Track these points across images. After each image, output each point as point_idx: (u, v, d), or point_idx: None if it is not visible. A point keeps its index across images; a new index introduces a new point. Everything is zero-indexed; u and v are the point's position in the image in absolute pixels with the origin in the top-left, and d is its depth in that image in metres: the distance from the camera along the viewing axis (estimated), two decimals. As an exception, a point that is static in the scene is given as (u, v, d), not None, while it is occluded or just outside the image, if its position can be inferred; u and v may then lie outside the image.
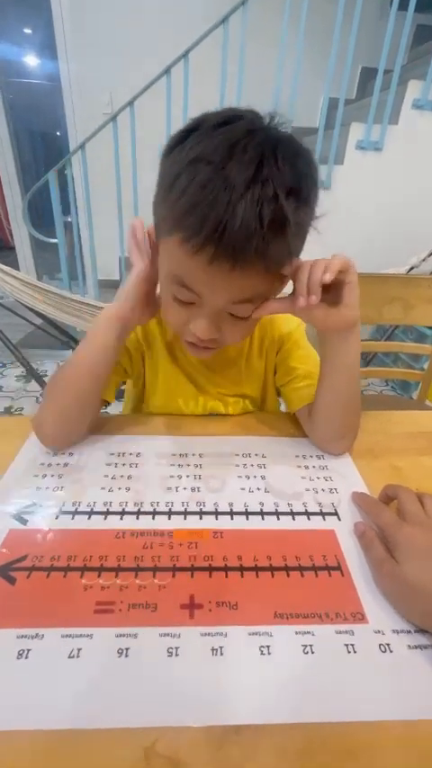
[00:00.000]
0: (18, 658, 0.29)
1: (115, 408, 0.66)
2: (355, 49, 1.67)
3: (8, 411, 1.74)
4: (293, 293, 0.41)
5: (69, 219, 1.95)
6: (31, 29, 3.22)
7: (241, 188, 0.33)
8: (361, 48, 1.74)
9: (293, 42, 1.67)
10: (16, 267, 2.32)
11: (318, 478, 0.47)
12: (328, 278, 0.39)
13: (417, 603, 0.32)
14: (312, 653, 0.30)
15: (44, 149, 3.82)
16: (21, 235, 2.88)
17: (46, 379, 1.90)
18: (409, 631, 0.32)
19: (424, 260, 1.68)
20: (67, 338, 2.05)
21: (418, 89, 1.77)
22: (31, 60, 3.41)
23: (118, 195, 1.86)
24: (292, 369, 0.56)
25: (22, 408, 1.76)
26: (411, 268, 1.69)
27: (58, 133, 3.64)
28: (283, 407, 0.62)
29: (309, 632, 0.32)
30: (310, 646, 0.31)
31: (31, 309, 1.66)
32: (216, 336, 0.43)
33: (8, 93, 2.63)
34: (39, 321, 1.89)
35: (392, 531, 0.37)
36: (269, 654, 0.30)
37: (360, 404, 0.50)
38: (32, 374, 1.65)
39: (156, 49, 2.21)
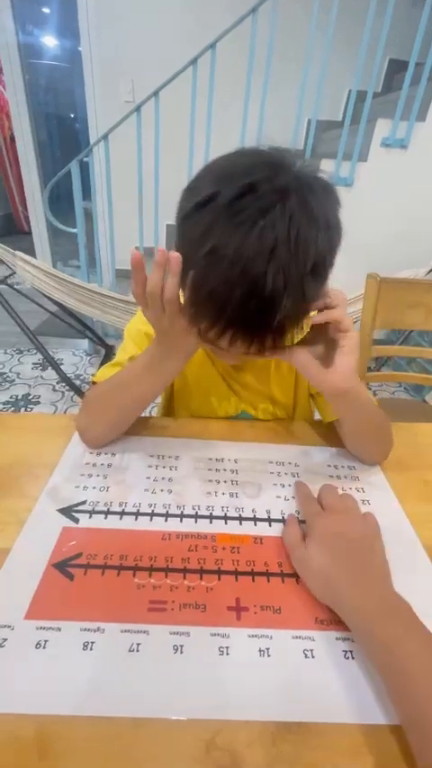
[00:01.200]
0: (84, 650, 0.32)
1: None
2: (385, 40, 1.63)
3: (25, 398, 1.77)
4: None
5: (85, 206, 1.94)
6: (51, 9, 3.16)
7: (254, 282, 0.34)
8: (390, 39, 1.69)
9: (322, 32, 1.63)
10: (32, 252, 2.33)
11: (350, 489, 0.49)
12: (319, 319, 0.40)
13: (319, 583, 0.36)
14: (353, 658, 0.33)
15: (60, 132, 3.78)
16: (38, 221, 2.87)
17: (63, 367, 1.93)
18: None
19: (445, 262, 1.67)
20: (83, 327, 2.07)
21: (448, 85, 1.73)
22: (50, 41, 3.35)
23: (139, 186, 1.85)
24: None
25: (39, 396, 1.79)
26: (431, 270, 1.69)
27: (72, 115, 3.60)
28: (317, 415, 0.64)
29: (348, 638, 0.34)
30: (351, 651, 0.33)
31: (48, 297, 1.68)
32: (242, 362, 0.46)
33: (27, 74, 2.60)
34: (54, 308, 1.91)
35: (310, 520, 0.42)
36: (313, 657, 0.32)
37: (388, 427, 0.52)
38: (50, 362, 1.68)
39: (179, 38, 2.18)
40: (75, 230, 1.95)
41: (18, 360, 2.05)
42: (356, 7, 1.70)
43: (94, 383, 0.55)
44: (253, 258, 0.33)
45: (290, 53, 1.93)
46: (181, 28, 2.27)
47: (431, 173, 1.86)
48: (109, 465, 0.50)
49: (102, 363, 2.06)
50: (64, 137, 3.67)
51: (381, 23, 1.60)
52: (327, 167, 1.84)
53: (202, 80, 1.68)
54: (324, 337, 0.43)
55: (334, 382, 0.43)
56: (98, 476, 0.48)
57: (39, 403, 1.75)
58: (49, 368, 1.89)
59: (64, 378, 1.71)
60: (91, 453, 0.51)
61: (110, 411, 0.52)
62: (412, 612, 0.32)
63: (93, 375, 0.56)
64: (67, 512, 0.43)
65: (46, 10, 3.12)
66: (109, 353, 2.12)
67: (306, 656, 0.32)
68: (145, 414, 0.55)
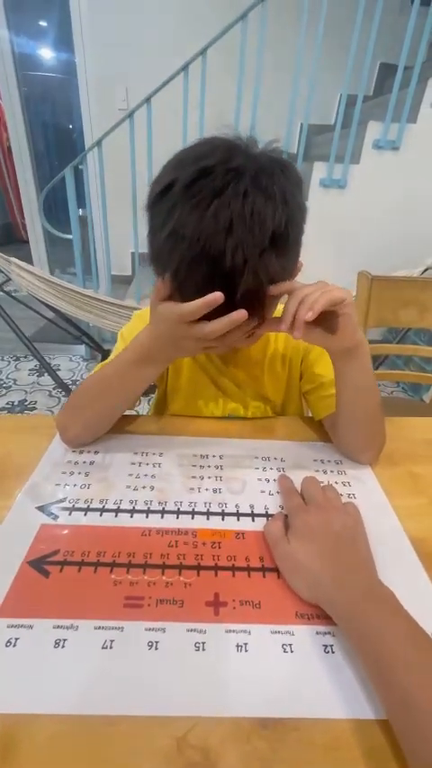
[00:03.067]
0: (55, 647, 0.31)
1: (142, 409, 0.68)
2: (375, 45, 1.65)
3: (22, 404, 1.77)
4: (281, 317, 0.41)
5: (82, 214, 1.96)
6: (47, 22, 3.22)
7: (215, 259, 0.35)
8: (380, 43, 1.72)
9: (312, 38, 1.65)
10: (29, 260, 2.35)
11: (336, 483, 0.48)
12: (310, 317, 0.39)
13: (302, 578, 0.36)
14: (333, 652, 0.32)
15: (56, 142, 3.83)
16: (34, 228, 2.90)
17: (59, 372, 1.93)
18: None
19: (439, 261, 1.67)
20: (80, 333, 2.08)
21: (437, 87, 1.75)
22: (46, 53, 3.41)
23: (133, 191, 1.87)
24: (318, 376, 0.57)
25: (36, 402, 1.79)
26: (426, 269, 1.69)
27: (70, 126, 3.65)
28: (308, 413, 0.63)
29: (329, 632, 0.33)
30: (331, 646, 0.32)
31: (44, 303, 1.68)
32: (229, 349, 0.46)
33: (23, 85, 2.64)
34: (51, 315, 1.91)
35: (293, 515, 0.41)
36: (292, 652, 0.32)
37: (382, 417, 0.51)
38: (46, 368, 1.68)
39: (172, 45, 2.20)
40: (70, 236, 1.97)
41: (15, 366, 2.06)
42: (345, 13, 1.72)
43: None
44: (211, 236, 0.34)
45: (280, 59, 1.95)
46: (173, 36, 2.30)
47: (423, 173, 1.87)
48: (91, 463, 0.49)
49: (98, 369, 2.06)
50: (60, 146, 3.71)
51: (369, 29, 1.62)
52: (320, 170, 1.86)
53: (194, 86, 1.70)
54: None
55: (344, 341, 0.44)
56: (80, 473, 0.48)
57: (35, 409, 1.75)
58: (46, 374, 1.89)
59: (60, 384, 1.71)
60: (74, 452, 0.51)
61: (89, 409, 0.51)
62: (396, 600, 0.31)
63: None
64: (46, 509, 0.43)
65: (42, 23, 3.18)
66: (106, 358, 2.12)
67: (285, 651, 0.32)
68: (134, 413, 0.55)
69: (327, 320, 0.42)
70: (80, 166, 1.90)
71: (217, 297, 0.36)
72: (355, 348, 0.45)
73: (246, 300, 0.37)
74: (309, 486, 0.44)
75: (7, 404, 1.77)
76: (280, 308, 0.43)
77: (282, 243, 0.37)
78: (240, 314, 0.37)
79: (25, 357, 2.11)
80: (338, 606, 0.33)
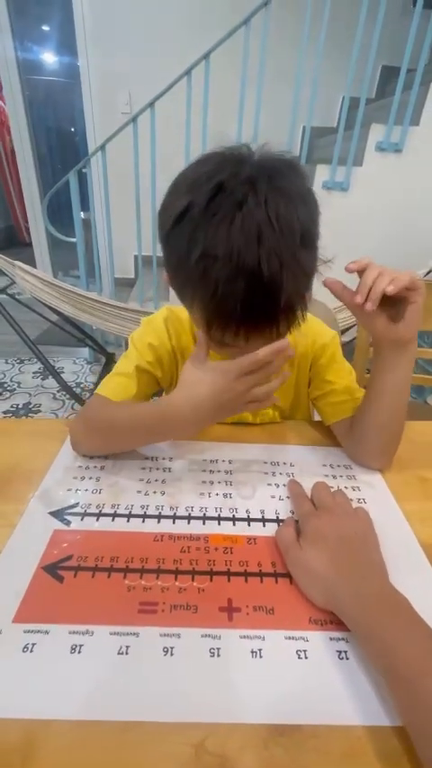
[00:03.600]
0: (72, 653, 0.31)
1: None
2: (377, 48, 1.66)
3: (26, 407, 1.77)
4: (357, 288, 0.42)
5: (85, 217, 1.97)
6: (50, 26, 3.23)
7: (251, 272, 0.34)
8: (382, 46, 1.72)
9: (314, 41, 1.66)
10: (33, 263, 2.36)
11: (346, 488, 0.48)
12: (391, 290, 0.39)
13: (316, 585, 0.36)
14: (347, 659, 0.32)
15: (60, 146, 3.85)
16: (38, 231, 2.91)
17: (63, 375, 1.94)
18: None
19: (442, 263, 1.67)
20: (83, 335, 2.08)
21: (440, 90, 1.75)
22: (49, 57, 3.42)
23: (136, 195, 1.87)
24: (329, 382, 0.57)
25: (40, 405, 1.80)
26: (429, 271, 1.69)
27: (73, 129, 3.66)
28: (316, 418, 0.63)
29: (343, 638, 0.33)
30: (345, 652, 0.32)
31: (48, 306, 1.69)
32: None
33: (26, 89, 2.66)
34: (55, 317, 1.92)
35: (304, 521, 0.41)
36: (306, 658, 0.32)
37: (404, 421, 0.51)
38: (50, 370, 1.68)
39: (175, 49, 2.21)
40: (74, 240, 1.97)
41: (19, 369, 2.06)
42: (347, 17, 1.72)
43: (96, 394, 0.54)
44: (243, 249, 0.34)
45: (283, 62, 1.96)
46: (176, 40, 2.31)
47: (426, 175, 1.87)
48: (102, 467, 0.50)
49: (102, 371, 2.06)
50: (64, 149, 3.72)
51: (372, 32, 1.63)
52: (323, 173, 1.86)
53: (197, 90, 1.71)
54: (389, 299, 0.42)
55: (403, 333, 0.44)
56: (90, 478, 0.48)
57: (39, 411, 1.75)
58: (50, 377, 1.90)
59: (64, 386, 1.72)
60: (84, 457, 0.51)
61: (108, 440, 0.51)
62: (410, 607, 0.31)
63: (93, 384, 0.55)
64: (59, 514, 0.43)
65: (45, 27, 3.19)
66: (109, 361, 2.12)
67: (299, 657, 0.32)
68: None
69: (393, 307, 0.42)
70: (83, 170, 1.91)
71: (284, 344, 0.37)
72: (410, 341, 0.45)
73: (288, 306, 0.37)
74: (319, 492, 0.44)
75: (11, 407, 1.77)
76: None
77: (309, 240, 0.37)
78: (283, 343, 0.38)
79: (29, 360, 2.11)
80: (352, 614, 0.33)
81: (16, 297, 1.84)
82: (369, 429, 0.50)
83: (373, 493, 0.48)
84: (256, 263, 0.34)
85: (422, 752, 0.25)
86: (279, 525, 0.43)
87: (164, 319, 0.57)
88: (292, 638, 0.33)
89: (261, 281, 0.35)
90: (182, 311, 0.58)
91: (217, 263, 0.35)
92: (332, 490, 0.45)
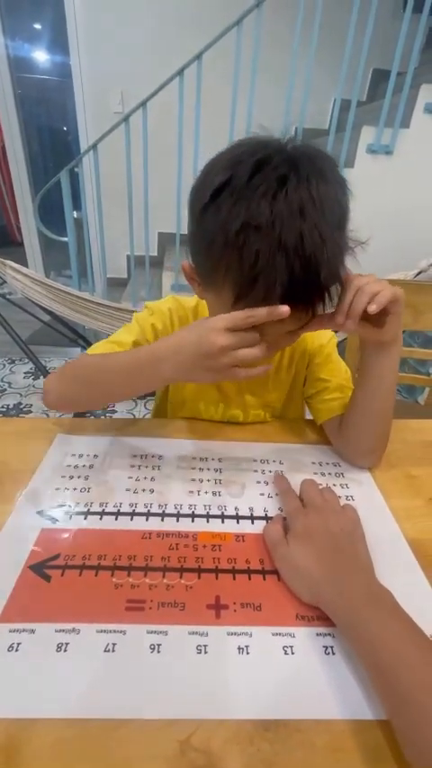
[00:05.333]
0: (57, 651, 0.31)
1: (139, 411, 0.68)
2: (368, 51, 1.67)
3: (17, 408, 1.76)
4: (336, 308, 0.41)
5: (77, 216, 1.96)
6: (42, 24, 3.21)
7: (293, 245, 0.34)
8: (373, 49, 1.74)
9: (306, 44, 1.67)
10: (24, 263, 2.34)
11: (335, 485, 0.49)
12: (373, 309, 0.39)
13: (302, 581, 0.36)
14: (333, 654, 0.32)
15: (52, 144, 3.82)
16: (29, 231, 2.89)
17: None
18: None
19: (432, 264, 1.69)
20: (75, 335, 2.07)
21: (430, 93, 1.77)
22: (41, 56, 3.40)
23: (128, 195, 1.87)
24: (323, 381, 0.57)
25: (31, 405, 1.78)
26: (420, 272, 1.70)
27: (65, 128, 3.65)
28: (308, 417, 0.63)
29: (329, 634, 0.33)
30: (331, 647, 0.32)
31: (40, 306, 1.68)
32: (275, 352, 0.45)
33: (18, 88, 2.64)
34: (47, 318, 1.91)
35: (292, 518, 0.41)
36: (293, 654, 0.32)
37: (391, 420, 0.51)
38: (41, 371, 1.67)
39: (168, 49, 2.21)
40: (66, 239, 1.96)
41: (10, 369, 2.04)
42: (339, 20, 1.74)
43: (83, 353, 0.53)
44: (286, 223, 0.34)
45: (275, 64, 1.97)
46: (169, 40, 2.31)
47: (416, 177, 1.89)
48: (90, 466, 0.49)
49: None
50: (56, 148, 3.70)
51: (363, 35, 1.64)
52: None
53: (189, 91, 1.71)
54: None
55: (386, 337, 0.44)
56: (79, 477, 0.48)
57: (30, 412, 1.74)
58: (42, 377, 1.88)
59: (56, 386, 1.70)
60: (73, 456, 0.51)
61: (78, 389, 0.50)
62: (394, 601, 0.32)
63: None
64: (46, 513, 0.43)
65: (36, 25, 3.17)
66: (102, 361, 2.11)
67: (286, 653, 0.32)
68: (132, 417, 0.55)
69: (374, 316, 0.42)
70: (75, 169, 1.90)
71: (283, 311, 0.36)
72: (392, 342, 0.46)
73: (325, 284, 0.37)
74: (307, 489, 0.45)
75: (2, 407, 1.76)
76: None
77: (345, 223, 0.38)
78: (284, 309, 0.36)
79: (20, 360, 2.10)
80: (338, 610, 0.33)
81: (7, 297, 1.83)
82: (357, 429, 0.51)
83: (360, 490, 0.49)
84: (298, 237, 0.34)
85: (406, 743, 0.26)
86: (267, 522, 0.43)
87: (169, 308, 0.57)
88: (279, 634, 0.33)
89: (302, 256, 0.34)
90: (186, 302, 0.58)
91: (259, 234, 0.34)
92: (321, 487, 0.45)
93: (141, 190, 1.83)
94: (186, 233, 0.44)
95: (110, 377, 0.47)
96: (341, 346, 1.13)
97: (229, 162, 0.37)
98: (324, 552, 0.37)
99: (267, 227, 0.34)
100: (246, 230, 0.35)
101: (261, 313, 0.36)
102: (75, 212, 1.95)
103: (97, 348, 0.54)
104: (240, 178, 0.35)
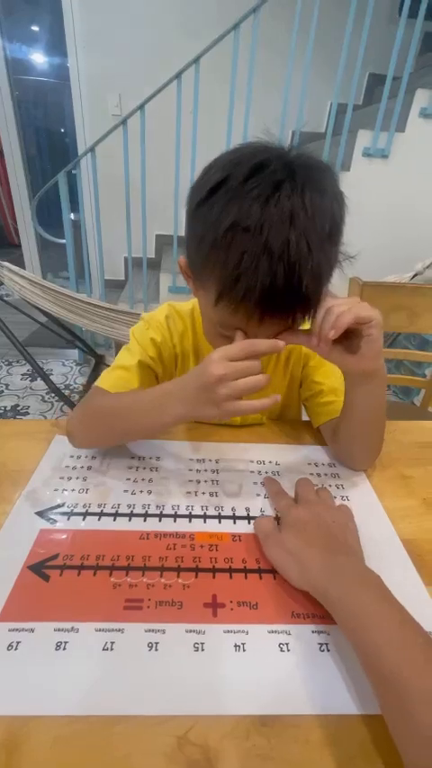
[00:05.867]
0: (56, 650, 0.31)
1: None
2: (364, 55, 1.69)
3: (15, 409, 1.76)
4: (311, 328, 0.41)
5: (75, 218, 1.96)
6: (39, 26, 3.22)
7: (279, 250, 0.34)
8: (369, 54, 1.76)
9: (303, 48, 1.68)
10: (22, 265, 2.34)
11: (330, 486, 0.49)
12: (333, 335, 0.39)
13: (294, 566, 0.36)
14: (328, 650, 0.33)
15: (49, 146, 3.83)
16: (27, 232, 2.89)
17: (52, 377, 1.92)
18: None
19: (428, 267, 1.70)
20: (72, 337, 2.07)
21: (425, 97, 1.79)
22: (38, 58, 3.41)
23: (126, 197, 1.88)
24: (317, 384, 0.57)
25: (29, 407, 1.78)
26: (416, 274, 1.72)
27: (63, 130, 3.65)
28: (305, 418, 0.64)
29: (324, 631, 0.34)
30: (326, 644, 0.33)
31: (37, 307, 1.68)
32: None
33: (16, 89, 2.64)
34: (44, 319, 1.91)
35: (284, 513, 0.42)
36: (288, 651, 0.32)
37: (384, 431, 0.51)
38: (39, 372, 1.67)
39: (165, 53, 2.23)
40: (63, 241, 1.97)
41: (7, 371, 2.04)
42: (335, 25, 1.76)
43: (96, 387, 0.53)
44: (274, 227, 0.34)
45: (272, 68, 1.99)
46: (167, 44, 2.32)
47: (412, 180, 1.91)
48: (89, 467, 0.50)
49: (92, 373, 2.05)
50: (53, 150, 3.70)
51: (359, 40, 1.66)
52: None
53: (187, 94, 1.72)
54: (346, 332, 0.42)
55: (364, 365, 0.43)
56: (78, 478, 0.48)
57: (28, 414, 1.74)
58: (39, 378, 1.88)
59: (53, 388, 1.70)
60: (71, 457, 0.51)
61: (108, 428, 0.50)
62: (383, 585, 0.32)
63: (83, 386, 0.54)
64: (45, 514, 0.43)
65: (34, 28, 3.18)
66: (99, 363, 2.12)
67: (281, 650, 0.32)
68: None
69: (349, 339, 0.41)
70: (73, 171, 1.91)
71: (280, 345, 0.37)
72: (372, 373, 0.44)
73: (307, 293, 0.36)
74: (303, 488, 0.45)
75: (-1, 409, 1.75)
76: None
77: (336, 236, 0.38)
78: (281, 344, 0.38)
79: (18, 362, 2.10)
80: (328, 592, 0.33)
81: (4, 298, 1.83)
82: (349, 443, 0.52)
83: (355, 490, 0.49)
84: (284, 243, 0.34)
85: (388, 710, 0.26)
86: (257, 517, 0.43)
87: (165, 317, 0.57)
88: (275, 631, 0.34)
89: (286, 262, 0.35)
90: (182, 307, 0.58)
91: (246, 235, 0.35)
92: (316, 487, 0.46)
93: (139, 192, 1.84)
94: (184, 235, 0.45)
95: (127, 417, 0.47)
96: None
97: (229, 162, 0.37)
98: (316, 539, 0.37)
99: (255, 230, 0.34)
100: (234, 230, 0.35)
101: (260, 347, 0.37)
102: (72, 214, 1.96)
103: (107, 379, 0.53)
104: (236, 179, 0.35)
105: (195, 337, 0.58)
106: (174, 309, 0.58)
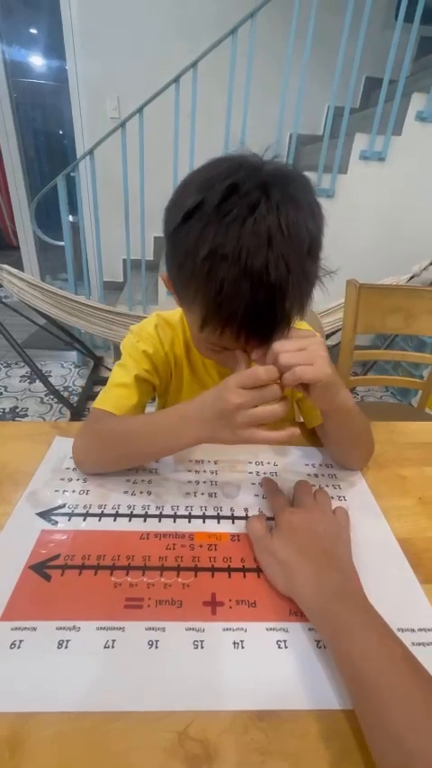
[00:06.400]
0: (58, 648, 0.32)
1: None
2: (360, 59, 1.71)
3: (13, 411, 1.76)
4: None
5: (73, 220, 1.97)
6: (38, 29, 3.23)
7: (258, 274, 0.34)
8: (365, 58, 1.77)
9: (300, 52, 1.70)
10: (20, 267, 2.34)
11: (327, 486, 0.50)
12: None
13: (278, 570, 0.37)
14: (325, 647, 0.33)
15: (48, 149, 3.84)
16: (25, 235, 2.89)
17: (51, 379, 1.93)
18: (413, 630, 0.35)
19: (425, 269, 1.71)
20: (71, 339, 2.08)
21: (421, 101, 1.81)
22: (37, 60, 3.42)
23: (125, 199, 1.88)
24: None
25: (27, 409, 1.78)
26: (412, 276, 1.73)
27: (61, 132, 3.66)
28: (299, 419, 0.64)
29: (321, 629, 0.34)
30: (322, 641, 0.34)
31: (36, 309, 1.68)
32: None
33: (14, 92, 2.65)
34: (43, 321, 1.91)
35: (278, 515, 0.42)
36: (286, 647, 0.33)
37: (369, 434, 0.52)
38: (37, 374, 1.68)
39: (164, 56, 2.24)
40: (62, 243, 1.97)
41: (6, 373, 2.05)
42: (332, 29, 1.77)
43: (97, 410, 0.52)
44: (252, 251, 0.34)
45: (270, 72, 2.00)
46: (165, 47, 2.33)
47: (408, 183, 1.92)
48: (89, 469, 0.50)
49: (90, 375, 2.06)
50: (52, 153, 3.71)
51: (355, 44, 1.67)
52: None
53: (185, 97, 1.73)
54: None
55: (319, 406, 0.46)
56: (78, 479, 0.49)
57: (26, 416, 1.74)
58: (37, 380, 1.89)
59: (52, 390, 1.71)
60: (71, 458, 0.52)
61: (123, 451, 0.49)
62: (365, 599, 0.33)
63: (81, 388, 0.54)
64: (46, 515, 0.44)
65: (33, 30, 3.19)
66: (98, 365, 2.12)
67: (279, 647, 0.33)
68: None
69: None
70: (72, 174, 1.91)
71: (276, 392, 0.38)
72: (332, 410, 0.46)
73: (290, 312, 0.37)
74: (300, 491, 0.46)
75: (-2, 410, 1.76)
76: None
77: (315, 250, 0.38)
78: (276, 389, 0.38)
79: (16, 364, 2.10)
80: (309, 602, 0.34)
81: (3, 300, 1.83)
82: (337, 445, 0.53)
83: (352, 490, 0.50)
84: (263, 267, 0.34)
85: (366, 733, 0.27)
86: (249, 518, 0.44)
87: (154, 326, 0.57)
88: (273, 629, 0.34)
89: (267, 285, 0.35)
90: (171, 316, 0.59)
91: (225, 263, 0.35)
92: (314, 489, 0.47)
93: (137, 194, 1.84)
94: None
95: (142, 440, 0.47)
96: (334, 351, 1.15)
97: (203, 184, 0.37)
98: (305, 548, 0.38)
99: (233, 256, 0.34)
100: (212, 258, 0.35)
101: (265, 375, 0.37)
102: (71, 216, 1.96)
103: (107, 400, 0.52)
104: (211, 203, 0.35)
105: (186, 345, 0.58)
106: (162, 319, 0.58)
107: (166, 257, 0.42)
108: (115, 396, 0.53)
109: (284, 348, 0.38)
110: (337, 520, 0.42)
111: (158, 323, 0.58)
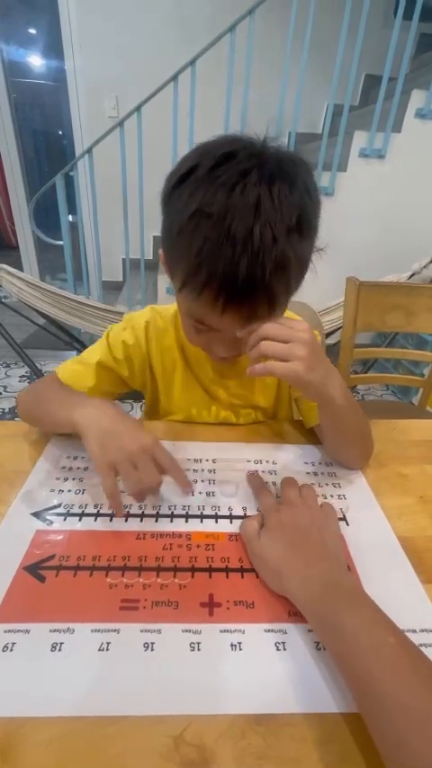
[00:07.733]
0: (52, 651, 0.31)
1: (134, 414, 0.68)
2: (360, 57, 1.70)
3: (12, 412, 1.76)
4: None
5: (72, 220, 1.96)
6: (36, 29, 3.23)
7: (242, 238, 0.34)
8: (365, 55, 1.76)
9: (299, 50, 1.69)
10: (19, 267, 2.34)
11: (327, 485, 0.49)
12: (247, 373, 0.40)
13: (270, 570, 0.37)
14: (324, 649, 0.32)
15: (46, 148, 3.83)
16: (24, 234, 2.89)
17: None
18: (414, 630, 0.34)
19: (425, 267, 1.70)
20: (71, 338, 2.07)
21: (421, 98, 1.80)
22: (36, 60, 3.41)
23: (123, 198, 1.88)
24: None
25: (27, 408, 1.78)
26: (413, 274, 1.72)
27: (60, 132, 3.66)
28: (297, 417, 0.64)
29: (321, 630, 0.34)
30: (317, 637, 0.33)
31: (35, 309, 1.68)
32: (237, 351, 0.45)
33: (12, 92, 2.65)
34: (42, 321, 1.91)
35: (267, 514, 0.42)
36: (285, 650, 0.32)
37: (368, 431, 0.52)
38: (37, 375, 1.67)
39: (162, 54, 2.23)
40: (61, 243, 1.97)
41: (5, 373, 2.04)
42: (331, 26, 1.76)
43: (53, 373, 0.56)
44: (239, 214, 0.34)
45: (269, 69, 1.99)
46: (163, 45, 2.33)
47: (408, 181, 1.91)
48: (85, 468, 0.50)
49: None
50: (51, 152, 3.71)
51: (354, 42, 1.67)
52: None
53: (184, 96, 1.72)
54: None
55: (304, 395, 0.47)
56: (74, 479, 0.48)
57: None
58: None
59: (51, 389, 1.70)
60: (67, 458, 0.51)
61: (35, 415, 0.54)
62: (354, 586, 0.33)
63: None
64: (42, 515, 0.43)
65: (31, 30, 3.19)
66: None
67: (278, 649, 0.32)
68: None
69: None
70: (70, 173, 1.91)
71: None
72: (322, 404, 0.46)
73: (271, 283, 0.36)
74: (286, 488, 0.45)
75: (-2, 411, 1.75)
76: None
77: (306, 228, 0.37)
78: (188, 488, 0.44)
79: (16, 364, 2.09)
80: (299, 599, 0.34)
81: (2, 300, 1.83)
82: (335, 443, 0.52)
83: (352, 488, 0.49)
84: (248, 232, 0.34)
85: (370, 726, 0.26)
86: (243, 519, 0.43)
87: (146, 321, 0.57)
88: (272, 630, 0.34)
89: (250, 250, 0.34)
90: (166, 310, 0.58)
91: (209, 221, 0.34)
92: (301, 485, 0.46)
93: (136, 193, 1.84)
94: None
95: (47, 410, 0.51)
96: (334, 350, 1.14)
97: (201, 152, 0.37)
98: (292, 545, 0.37)
99: (219, 217, 0.34)
100: (197, 216, 0.35)
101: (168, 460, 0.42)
102: (70, 216, 1.96)
103: (65, 370, 0.55)
104: (204, 167, 0.35)
105: (180, 339, 0.58)
106: (156, 312, 0.58)
107: (162, 227, 0.42)
108: (72, 371, 0.55)
109: (270, 334, 0.38)
110: (324, 512, 0.42)
111: (150, 317, 0.57)
